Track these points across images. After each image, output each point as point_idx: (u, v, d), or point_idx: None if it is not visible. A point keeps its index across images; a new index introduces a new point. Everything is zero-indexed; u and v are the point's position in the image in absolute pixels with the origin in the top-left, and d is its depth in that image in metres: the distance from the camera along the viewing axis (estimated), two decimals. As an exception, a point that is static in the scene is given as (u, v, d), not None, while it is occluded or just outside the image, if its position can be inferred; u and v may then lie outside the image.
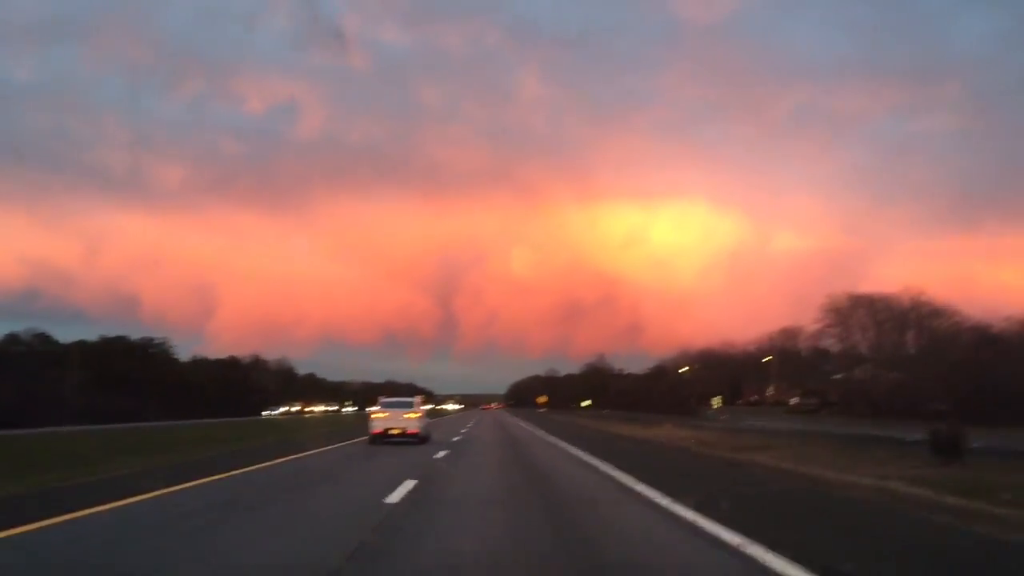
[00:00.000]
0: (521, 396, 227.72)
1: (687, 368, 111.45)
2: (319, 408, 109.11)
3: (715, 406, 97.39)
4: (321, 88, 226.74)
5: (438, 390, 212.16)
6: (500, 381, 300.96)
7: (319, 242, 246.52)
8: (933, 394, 59.36)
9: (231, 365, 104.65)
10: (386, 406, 28.80)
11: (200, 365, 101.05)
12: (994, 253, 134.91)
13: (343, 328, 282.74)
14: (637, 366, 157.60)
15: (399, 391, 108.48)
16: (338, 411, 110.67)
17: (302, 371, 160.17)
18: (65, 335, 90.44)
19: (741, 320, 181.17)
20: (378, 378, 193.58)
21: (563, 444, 29.77)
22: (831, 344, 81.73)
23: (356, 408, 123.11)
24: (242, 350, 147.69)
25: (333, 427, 48.19)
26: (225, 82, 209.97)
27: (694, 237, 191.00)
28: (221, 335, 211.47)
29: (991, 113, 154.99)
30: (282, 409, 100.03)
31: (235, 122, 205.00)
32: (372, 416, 28.45)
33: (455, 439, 34.15)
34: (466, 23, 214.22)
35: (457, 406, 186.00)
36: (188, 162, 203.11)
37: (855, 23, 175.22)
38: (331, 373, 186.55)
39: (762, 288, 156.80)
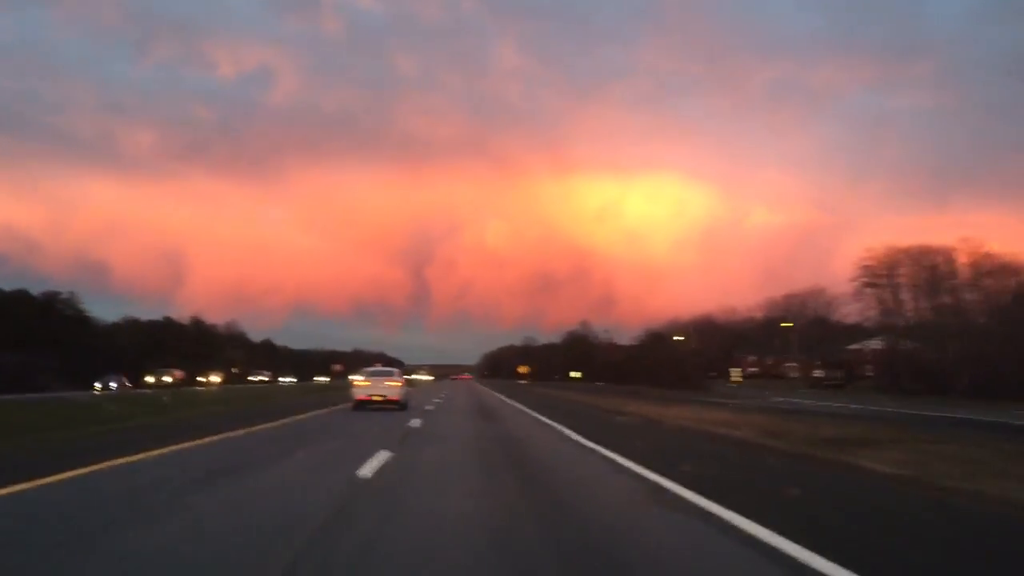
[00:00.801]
0: (496, 366, 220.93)
1: (683, 337, 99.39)
2: (258, 378, 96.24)
3: (734, 379, 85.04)
4: (295, 55, 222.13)
5: (409, 360, 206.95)
6: (472, 352, 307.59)
7: (292, 211, 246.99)
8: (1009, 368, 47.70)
9: (166, 327, 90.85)
10: (369, 375, 30.27)
11: (127, 327, 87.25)
12: (962, 230, 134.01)
13: (315, 297, 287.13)
14: (618, 338, 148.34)
15: (366, 360, 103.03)
16: (271, 382, 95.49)
17: (266, 338, 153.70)
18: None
19: (715, 293, 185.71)
20: (347, 347, 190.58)
21: (584, 441, 16.89)
22: (862, 309, 69.83)
23: (296, 380, 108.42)
24: (211, 318, 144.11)
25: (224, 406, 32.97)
26: (197, 46, 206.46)
27: (668, 210, 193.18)
28: (191, 303, 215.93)
29: (965, 90, 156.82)
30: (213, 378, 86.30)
31: (207, 87, 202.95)
32: (356, 384, 29.35)
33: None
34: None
35: (427, 377, 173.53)
36: (158, 128, 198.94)
37: None
38: (301, 342, 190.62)
39: (735, 262, 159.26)
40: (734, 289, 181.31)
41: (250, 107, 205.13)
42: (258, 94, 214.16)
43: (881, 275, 62.82)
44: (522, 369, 77.76)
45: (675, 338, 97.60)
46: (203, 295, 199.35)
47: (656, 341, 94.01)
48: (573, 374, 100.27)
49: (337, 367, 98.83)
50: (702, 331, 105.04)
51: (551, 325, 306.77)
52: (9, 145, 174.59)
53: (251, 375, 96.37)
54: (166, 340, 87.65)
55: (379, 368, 34.66)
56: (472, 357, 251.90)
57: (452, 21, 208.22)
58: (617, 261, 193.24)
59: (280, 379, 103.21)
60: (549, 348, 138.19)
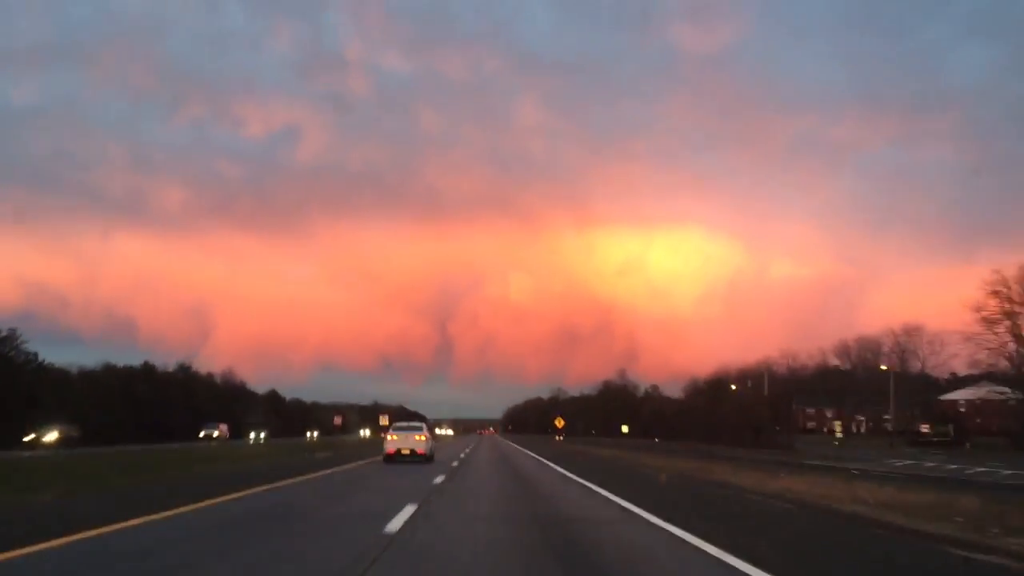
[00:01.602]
0: (521, 421, 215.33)
1: (735, 387, 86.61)
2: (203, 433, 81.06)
3: (838, 434, 71.48)
4: (322, 113, 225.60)
5: (431, 414, 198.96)
6: (495, 406, 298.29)
7: (317, 266, 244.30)
8: None
9: (146, 376, 79.35)
10: (397, 430, 32.33)
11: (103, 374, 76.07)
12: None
13: (340, 352, 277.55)
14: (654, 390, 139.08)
15: (383, 414, 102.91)
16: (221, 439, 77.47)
17: (295, 396, 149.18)
18: (59, 358, 76.08)
19: (737, 349, 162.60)
20: (369, 401, 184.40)
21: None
22: (971, 350, 56.99)
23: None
24: (236, 374, 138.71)
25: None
26: (226, 106, 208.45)
27: (691, 264, 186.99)
28: (216, 359, 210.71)
29: (988, 144, 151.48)
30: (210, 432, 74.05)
31: (235, 146, 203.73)
32: (387, 438, 31.60)
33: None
34: (466, 49, 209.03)
35: (448, 432, 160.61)
36: (188, 185, 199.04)
37: (854, 53, 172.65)
38: (325, 397, 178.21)
39: (758, 316, 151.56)
40: (757, 343, 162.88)
41: (277, 164, 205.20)
42: (285, 152, 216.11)
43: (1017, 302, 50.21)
44: (559, 422, 65.44)
45: (732, 387, 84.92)
46: (229, 351, 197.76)
47: (715, 390, 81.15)
48: (624, 429, 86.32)
49: (337, 420, 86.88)
50: (757, 381, 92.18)
51: (574, 380, 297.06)
52: (41, 203, 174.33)
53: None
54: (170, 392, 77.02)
55: (407, 424, 36.16)
56: (495, 411, 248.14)
57: (476, 78, 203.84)
58: (640, 315, 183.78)
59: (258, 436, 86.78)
60: (581, 400, 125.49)
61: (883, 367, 71.33)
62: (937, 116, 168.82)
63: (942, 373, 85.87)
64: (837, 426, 74.74)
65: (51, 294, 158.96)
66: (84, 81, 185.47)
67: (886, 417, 75.31)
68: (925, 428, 64.00)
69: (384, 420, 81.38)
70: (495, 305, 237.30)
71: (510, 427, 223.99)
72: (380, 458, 31.03)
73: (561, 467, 30.43)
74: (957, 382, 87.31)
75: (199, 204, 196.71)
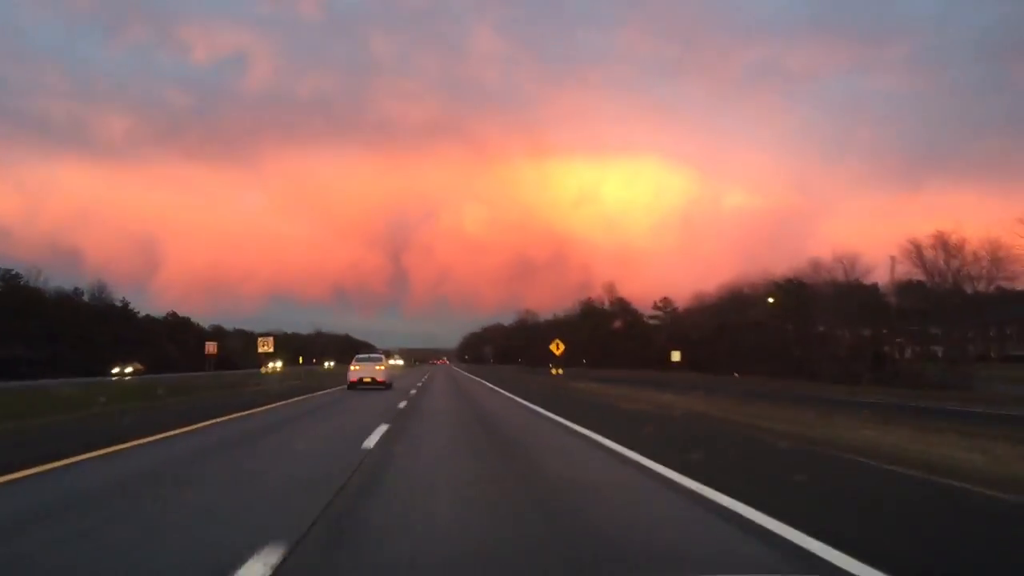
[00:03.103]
0: (477, 350, 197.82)
1: (773, 300, 65.94)
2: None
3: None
4: (270, 38, 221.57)
5: (382, 344, 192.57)
6: (449, 337, 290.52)
7: (267, 197, 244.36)
8: None
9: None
10: (359, 360, 34.70)
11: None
12: (936, 212, 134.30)
13: (291, 284, 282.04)
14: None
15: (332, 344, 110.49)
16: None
17: (242, 327, 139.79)
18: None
19: (691, 277, 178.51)
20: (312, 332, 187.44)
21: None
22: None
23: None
24: (186, 306, 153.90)
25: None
26: (170, 30, 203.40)
27: (646, 194, 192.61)
28: (166, 290, 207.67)
29: (941, 72, 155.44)
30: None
31: (180, 72, 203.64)
32: (350, 368, 33.61)
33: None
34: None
35: (397, 361, 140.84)
36: (131, 113, 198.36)
37: None
38: (275, 329, 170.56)
39: (712, 245, 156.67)
40: (710, 273, 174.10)
41: (224, 91, 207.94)
42: (233, 78, 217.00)
43: None
44: (557, 347, 43.13)
45: (769, 300, 63.95)
46: (178, 282, 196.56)
47: (739, 304, 59.93)
48: (674, 356, 60.78)
49: (210, 348, 64.74)
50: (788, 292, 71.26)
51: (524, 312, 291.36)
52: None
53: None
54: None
55: (368, 355, 38.94)
56: (450, 342, 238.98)
57: (429, 4, 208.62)
58: (596, 245, 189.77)
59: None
60: (559, 325, 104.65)
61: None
62: (889, 45, 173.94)
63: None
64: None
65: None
66: (19, 3, 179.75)
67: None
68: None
69: (265, 346, 64.27)
70: (449, 236, 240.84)
71: (467, 357, 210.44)
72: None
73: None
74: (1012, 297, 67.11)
75: (144, 132, 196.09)
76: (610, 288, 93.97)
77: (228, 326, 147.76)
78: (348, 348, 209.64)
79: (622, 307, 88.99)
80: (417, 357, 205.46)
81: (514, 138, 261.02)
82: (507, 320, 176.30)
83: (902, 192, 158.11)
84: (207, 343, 63.40)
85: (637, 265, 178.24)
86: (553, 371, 46.21)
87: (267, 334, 74.53)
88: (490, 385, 37.77)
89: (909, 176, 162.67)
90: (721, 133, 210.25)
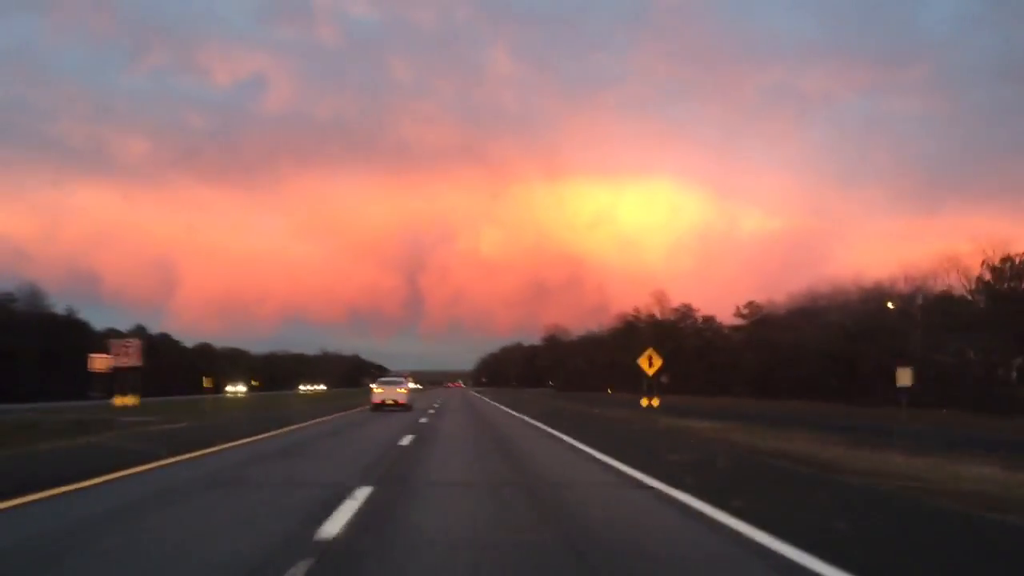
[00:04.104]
0: (496, 372, 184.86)
1: (892, 305, 49.94)
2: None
3: None
4: (288, 62, 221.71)
5: (395, 366, 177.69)
6: (464, 359, 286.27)
7: (285, 219, 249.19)
8: None
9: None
10: (382, 383, 35.56)
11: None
12: (953, 234, 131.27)
13: (307, 306, 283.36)
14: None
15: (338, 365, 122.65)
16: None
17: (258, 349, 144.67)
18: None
19: (708, 299, 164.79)
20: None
21: None
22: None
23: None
24: (203, 328, 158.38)
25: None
26: (190, 54, 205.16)
27: (661, 216, 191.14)
28: (183, 312, 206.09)
29: (958, 95, 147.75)
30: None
31: (200, 95, 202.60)
32: (373, 391, 34.77)
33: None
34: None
35: (413, 385, 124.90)
36: (151, 136, 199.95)
37: (824, 4, 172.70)
38: (292, 350, 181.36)
39: (728, 268, 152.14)
40: (727, 295, 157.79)
41: (243, 114, 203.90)
42: (251, 102, 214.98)
43: None
44: (649, 363, 27.62)
45: (889, 305, 48.00)
46: (195, 304, 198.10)
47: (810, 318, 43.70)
48: (902, 376, 38.19)
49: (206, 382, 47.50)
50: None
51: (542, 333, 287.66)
52: (1, 153, 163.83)
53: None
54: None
55: (391, 379, 38.49)
56: (465, 364, 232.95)
57: (446, 28, 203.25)
58: (610, 267, 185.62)
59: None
60: (594, 343, 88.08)
61: None
62: (906, 67, 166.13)
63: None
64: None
65: (10, 247, 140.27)
66: (43, 28, 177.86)
67: None
68: None
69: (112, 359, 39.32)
70: (465, 257, 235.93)
71: (484, 380, 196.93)
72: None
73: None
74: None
75: (163, 155, 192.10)
76: (661, 297, 77.82)
77: (242, 348, 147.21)
78: (354, 370, 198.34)
79: (685, 316, 71.44)
80: (431, 380, 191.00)
81: (530, 160, 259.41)
82: (527, 340, 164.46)
83: (918, 215, 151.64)
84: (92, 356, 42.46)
85: (651, 286, 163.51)
86: (645, 402, 28.70)
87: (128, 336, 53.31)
88: (548, 429, 21.84)
89: (926, 199, 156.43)
90: (736, 155, 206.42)
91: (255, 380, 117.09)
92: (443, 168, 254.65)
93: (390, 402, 32.27)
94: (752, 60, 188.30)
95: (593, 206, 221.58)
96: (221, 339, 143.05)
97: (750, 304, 57.55)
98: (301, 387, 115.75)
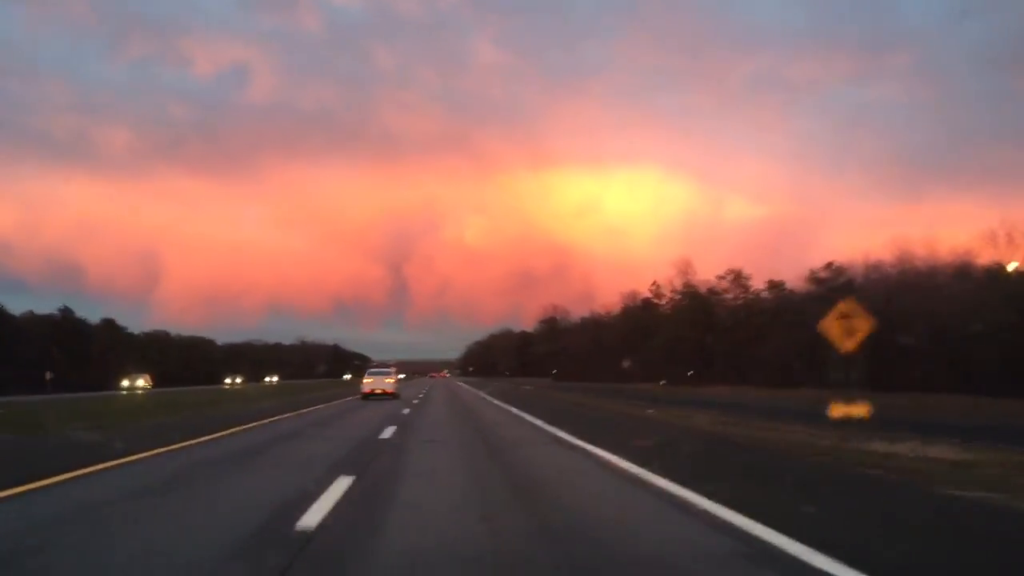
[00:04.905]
0: (483, 362, 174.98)
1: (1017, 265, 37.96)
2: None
3: None
4: (272, 52, 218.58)
5: (380, 355, 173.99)
6: (451, 349, 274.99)
7: (269, 209, 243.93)
8: None
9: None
10: (371, 373, 38.89)
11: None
12: (938, 221, 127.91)
13: (291, 296, 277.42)
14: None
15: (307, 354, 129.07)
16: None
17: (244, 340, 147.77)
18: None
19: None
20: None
21: None
22: None
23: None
24: (189, 319, 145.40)
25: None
26: (172, 44, 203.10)
27: (647, 204, 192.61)
28: (168, 304, 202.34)
29: (942, 83, 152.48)
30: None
31: (182, 85, 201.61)
32: (363, 380, 37.57)
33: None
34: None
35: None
36: (133, 126, 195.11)
37: None
38: (274, 341, 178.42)
39: (714, 255, 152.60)
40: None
41: (226, 104, 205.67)
42: (235, 91, 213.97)
43: None
44: (842, 332, 16.88)
45: (1011, 267, 36.27)
46: (180, 295, 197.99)
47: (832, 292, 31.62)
48: None
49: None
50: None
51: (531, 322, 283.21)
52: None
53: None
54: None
55: (380, 369, 42.14)
56: (451, 354, 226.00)
57: (430, 16, 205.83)
58: (596, 255, 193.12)
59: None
60: (602, 325, 75.68)
61: None
62: (890, 55, 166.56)
63: None
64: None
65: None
66: (22, 18, 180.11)
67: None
68: None
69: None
70: (451, 247, 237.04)
71: (471, 369, 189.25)
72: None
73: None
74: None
75: (145, 146, 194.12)
76: (685, 267, 64.97)
77: (227, 339, 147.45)
78: (335, 360, 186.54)
79: (738, 284, 57.94)
80: (416, 369, 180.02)
81: (515, 149, 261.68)
82: (516, 327, 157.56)
83: (903, 202, 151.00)
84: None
85: (637, 273, 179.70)
86: (838, 411, 14.57)
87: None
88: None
89: (910, 185, 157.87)
90: (722, 143, 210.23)
91: (241, 374, 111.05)
92: (428, 157, 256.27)
93: (379, 391, 35.20)
94: (738, 48, 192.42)
95: (579, 195, 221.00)
96: (202, 330, 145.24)
97: (829, 265, 45.01)
98: (227, 380, 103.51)
